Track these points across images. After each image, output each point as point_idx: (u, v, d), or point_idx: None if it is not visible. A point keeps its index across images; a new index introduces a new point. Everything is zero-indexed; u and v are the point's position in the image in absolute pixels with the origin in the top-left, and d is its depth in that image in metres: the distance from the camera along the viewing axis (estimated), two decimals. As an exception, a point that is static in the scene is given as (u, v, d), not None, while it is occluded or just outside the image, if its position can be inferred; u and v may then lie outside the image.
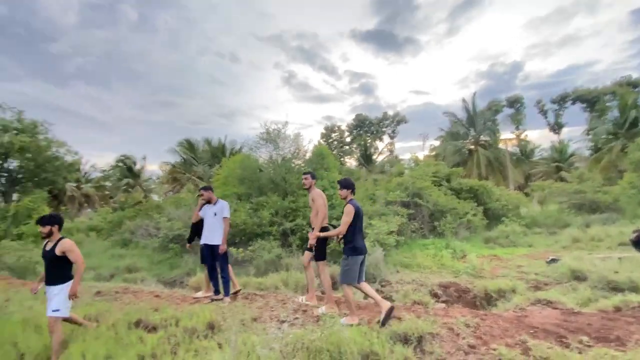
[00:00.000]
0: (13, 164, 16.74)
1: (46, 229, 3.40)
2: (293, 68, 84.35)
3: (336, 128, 45.98)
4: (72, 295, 3.34)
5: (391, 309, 3.60)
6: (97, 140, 70.82)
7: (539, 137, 75.99)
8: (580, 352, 2.95)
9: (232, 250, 8.80)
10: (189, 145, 26.96)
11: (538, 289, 6.23)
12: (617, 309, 4.37)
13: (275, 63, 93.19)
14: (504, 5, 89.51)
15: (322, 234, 4.12)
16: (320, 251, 4.41)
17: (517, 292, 5.69)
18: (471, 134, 28.32)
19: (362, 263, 3.85)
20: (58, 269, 3.39)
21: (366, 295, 4.14)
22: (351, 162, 36.43)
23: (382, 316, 3.56)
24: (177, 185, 25.74)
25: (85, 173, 29.52)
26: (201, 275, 6.32)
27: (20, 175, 17.18)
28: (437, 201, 12.44)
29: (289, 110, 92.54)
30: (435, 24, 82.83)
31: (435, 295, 6.40)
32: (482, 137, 28.07)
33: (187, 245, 5.90)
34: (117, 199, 26.35)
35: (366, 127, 45.74)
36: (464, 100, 28.77)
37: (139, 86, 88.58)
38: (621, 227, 11.18)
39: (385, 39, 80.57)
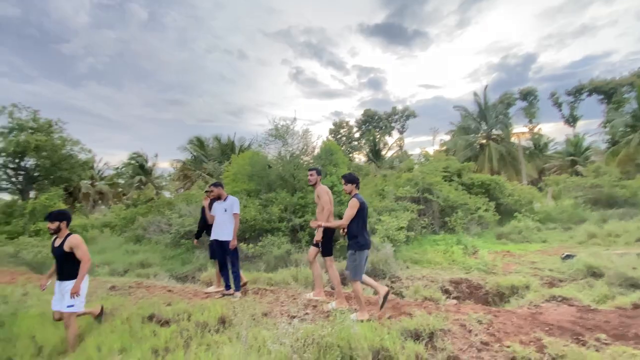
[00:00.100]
0: (29, 162, 17.20)
1: (54, 225, 3.40)
2: (301, 64, 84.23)
3: (344, 124, 45.75)
4: (74, 293, 3.29)
5: (387, 292, 3.90)
6: (109, 138, 72.29)
7: (553, 130, 74.24)
8: (597, 350, 2.88)
9: (242, 246, 8.87)
10: (199, 143, 27.23)
11: (553, 285, 6.10)
12: (636, 306, 4.24)
13: (283, 59, 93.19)
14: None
15: (325, 224, 4.13)
16: (326, 247, 4.42)
17: (531, 288, 5.59)
18: (483, 128, 27.79)
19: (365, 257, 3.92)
20: (69, 265, 3.38)
21: (375, 291, 4.16)
22: (360, 157, 36.22)
23: (381, 300, 3.85)
24: (188, 182, 26.06)
25: (99, 171, 30.18)
26: (212, 270, 6.39)
27: (36, 173, 17.64)
28: (448, 196, 12.27)
29: (297, 106, 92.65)
30: (445, 16, 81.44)
31: (446, 292, 6.34)
32: (494, 131, 27.52)
33: (195, 241, 5.97)
34: (130, 195, 26.85)
35: (375, 123, 45.39)
36: (475, 94, 28.21)
37: (149, 85, 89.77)
38: (639, 222, 10.85)
39: (394, 33, 79.63)
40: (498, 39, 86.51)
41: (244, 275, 5.40)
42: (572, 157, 27.74)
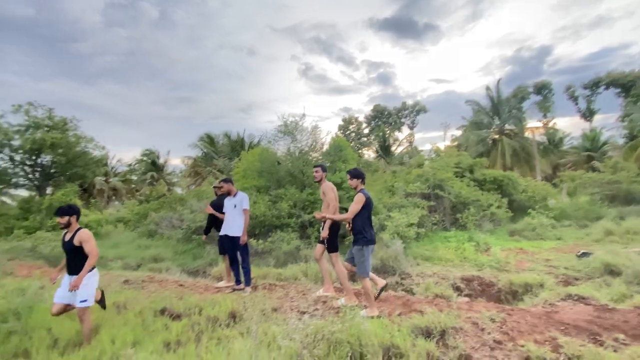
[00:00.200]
0: (46, 159, 17.64)
1: (64, 219, 3.40)
2: (310, 60, 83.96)
3: (354, 120, 45.50)
4: (74, 287, 3.25)
5: (385, 285, 4.15)
6: (122, 135, 73.61)
7: (569, 125, 72.17)
8: (615, 351, 2.79)
9: (252, 241, 8.93)
10: (209, 140, 27.50)
11: (568, 283, 5.95)
12: (656, 306, 4.10)
13: (292, 55, 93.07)
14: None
15: (329, 216, 4.12)
16: (331, 243, 4.41)
17: (546, 286, 5.45)
18: (495, 123, 27.23)
19: None
20: (79, 259, 3.35)
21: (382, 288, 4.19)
22: (369, 153, 36.01)
23: (378, 290, 4.09)
24: (199, 179, 26.38)
25: (113, 167, 30.76)
26: (223, 265, 6.46)
27: (52, 170, 18.10)
28: (459, 193, 12.08)
29: (306, 102, 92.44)
30: (457, 8, 79.88)
31: (457, 289, 6.25)
32: (507, 126, 26.93)
33: (204, 237, 6.03)
34: (143, 192, 27.31)
35: (384, 118, 45.02)
36: (487, 88, 27.62)
37: (160, 83, 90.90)
38: (660, 219, 10.49)
39: (404, 27, 78.54)
40: (511, 32, 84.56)
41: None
42: (588, 153, 26.96)
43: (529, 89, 36.69)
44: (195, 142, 27.45)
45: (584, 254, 7.46)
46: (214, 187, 5.79)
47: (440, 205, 11.97)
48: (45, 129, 16.88)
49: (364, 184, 4.04)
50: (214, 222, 5.56)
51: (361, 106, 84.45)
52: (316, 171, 4.66)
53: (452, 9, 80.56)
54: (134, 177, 31.68)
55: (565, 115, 64.65)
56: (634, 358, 2.65)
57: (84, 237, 3.36)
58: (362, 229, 3.82)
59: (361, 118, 46.20)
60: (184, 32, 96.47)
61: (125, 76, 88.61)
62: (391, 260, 7.34)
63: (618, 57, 62.66)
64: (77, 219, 3.50)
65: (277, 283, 5.56)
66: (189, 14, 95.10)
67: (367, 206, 3.87)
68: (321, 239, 4.39)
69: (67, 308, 3.49)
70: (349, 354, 2.70)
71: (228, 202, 5.10)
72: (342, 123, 45.06)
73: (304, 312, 3.92)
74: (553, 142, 30.84)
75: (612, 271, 6.04)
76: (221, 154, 25.68)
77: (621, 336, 3.03)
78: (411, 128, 46.16)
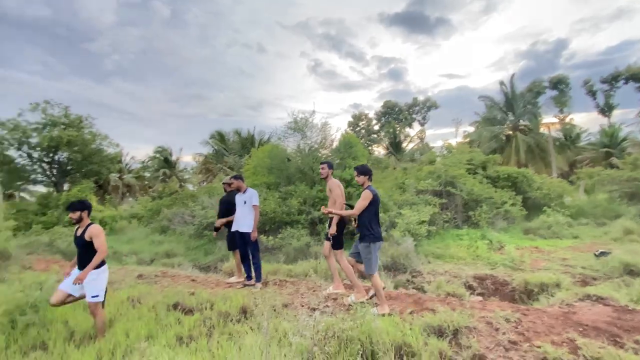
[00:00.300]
0: (62, 156, 18.07)
1: (76, 214, 3.42)
2: (319, 56, 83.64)
3: (364, 116, 45.15)
4: (78, 280, 3.26)
5: (383, 288, 4.08)
6: (135, 133, 74.84)
7: (586, 120, 69.98)
8: (636, 353, 2.70)
9: (262, 238, 8.99)
10: (220, 137, 27.74)
11: (586, 283, 5.79)
12: (680, 308, 3.94)
13: (302, 52, 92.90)
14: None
15: (335, 211, 4.09)
16: (337, 240, 4.39)
17: (562, 286, 5.31)
18: (509, 119, 26.61)
19: None
20: (90, 254, 3.35)
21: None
22: (379, 150, 35.71)
23: (371, 292, 4.10)
24: (210, 175, 26.67)
25: (127, 164, 31.38)
26: (234, 261, 6.52)
27: (69, 167, 18.54)
28: (472, 190, 11.87)
29: (315, 99, 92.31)
30: (470, 1, 78.14)
31: (469, 288, 6.15)
32: (522, 122, 26.29)
33: (214, 233, 6.08)
34: (156, 188, 27.81)
35: (395, 114, 44.51)
36: (501, 83, 26.98)
37: (172, 81, 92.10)
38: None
39: (416, 21, 77.29)
40: (526, 25, 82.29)
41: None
42: (606, 149, 26.12)
43: (544, 84, 35.65)
44: (206, 139, 27.78)
45: (603, 253, 7.24)
46: (223, 183, 5.84)
47: (452, 202, 11.79)
48: (62, 126, 17.29)
49: (371, 180, 4.02)
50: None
51: (371, 102, 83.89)
52: (322, 168, 4.65)
53: (465, 2, 78.98)
54: (147, 174, 32.26)
55: (583, 110, 62.62)
56: (656, 361, 2.55)
57: (94, 233, 3.37)
58: (369, 226, 3.80)
59: (371, 114, 45.84)
60: (195, 31, 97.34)
61: (138, 74, 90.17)
62: (402, 258, 7.28)
63: (638, 51, 60.25)
64: (89, 214, 3.52)
65: (288, 279, 5.58)
66: (199, 12, 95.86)
67: (374, 203, 3.85)
68: (328, 235, 4.37)
69: (67, 300, 3.49)
70: (360, 352, 2.67)
71: (238, 199, 5.13)
72: (351, 119, 44.80)
73: (314, 309, 3.92)
74: (570, 138, 29.95)
75: (632, 271, 5.86)
76: (232, 151, 25.89)
77: (643, 338, 2.93)
78: (422, 124, 45.55)
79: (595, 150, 27.03)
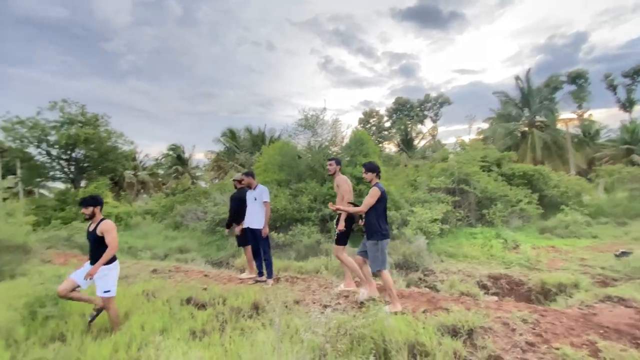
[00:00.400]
0: (80, 153, 18.57)
1: (88, 210, 3.42)
2: (329, 52, 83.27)
3: (374, 113, 44.76)
4: (88, 275, 3.31)
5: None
6: (149, 130, 76.28)
7: (606, 116, 67.52)
8: (662, 358, 2.58)
9: (273, 234, 9.03)
10: (232, 134, 27.99)
11: (605, 284, 5.61)
12: None
13: (311, 49, 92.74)
14: (566, -31, 79.80)
15: (343, 208, 4.05)
16: (341, 236, 4.36)
17: (581, 287, 5.15)
18: (525, 115, 25.91)
19: None
20: (102, 250, 3.36)
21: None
22: (390, 147, 35.39)
23: (366, 293, 4.03)
24: (221, 172, 26.96)
25: (141, 161, 32.00)
26: (245, 257, 6.57)
27: (86, 164, 19.04)
28: (486, 188, 11.64)
29: (325, 96, 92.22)
30: (485, -5, 76.30)
31: (483, 287, 6.04)
32: (538, 118, 25.57)
33: (226, 230, 6.12)
34: (169, 185, 28.30)
35: (406, 111, 43.99)
36: (517, 78, 26.24)
37: (185, 79, 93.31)
38: None
39: (428, 16, 76.06)
40: (544, 18, 79.92)
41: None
42: (627, 146, 25.20)
43: (562, 79, 34.58)
44: (218, 137, 28.07)
45: (624, 254, 7.00)
46: (234, 180, 5.87)
47: (465, 200, 11.60)
48: (79, 124, 17.74)
49: (379, 177, 3.98)
50: (236, 216, 5.64)
51: (382, 99, 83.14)
52: (330, 164, 4.62)
53: (480, -5, 77.13)
54: (161, 171, 32.84)
55: (602, 106, 60.95)
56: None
57: (106, 228, 3.39)
58: (377, 223, 3.78)
59: (382, 111, 45.43)
60: (205, 29, 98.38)
61: (152, 73, 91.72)
62: (414, 256, 7.21)
63: (662, 43, 57.75)
64: (101, 209, 3.54)
65: (299, 276, 5.58)
66: (209, 11, 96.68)
67: (382, 200, 3.82)
68: (337, 231, 4.34)
69: (74, 291, 3.48)
70: (373, 350, 2.65)
71: (249, 195, 5.16)
72: (362, 116, 44.48)
73: (326, 306, 3.90)
74: (588, 135, 29.01)
75: (656, 272, 5.64)
76: (243, 149, 26.10)
77: (668, 342, 2.81)
78: (434, 121, 44.89)
79: (616, 147, 26.12)
